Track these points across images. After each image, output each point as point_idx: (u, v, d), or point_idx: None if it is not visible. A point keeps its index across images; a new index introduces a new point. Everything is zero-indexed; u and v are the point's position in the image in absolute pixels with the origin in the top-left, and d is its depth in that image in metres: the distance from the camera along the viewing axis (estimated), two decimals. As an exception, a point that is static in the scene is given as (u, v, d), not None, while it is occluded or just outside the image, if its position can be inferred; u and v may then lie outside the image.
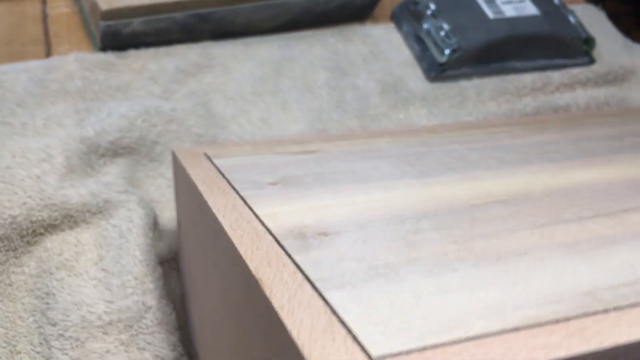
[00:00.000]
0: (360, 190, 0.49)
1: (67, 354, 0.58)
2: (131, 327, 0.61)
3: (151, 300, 0.62)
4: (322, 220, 0.44)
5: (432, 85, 0.92)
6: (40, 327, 0.62)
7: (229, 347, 0.48)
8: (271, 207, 0.46)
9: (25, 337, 0.61)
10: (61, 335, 0.59)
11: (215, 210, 0.46)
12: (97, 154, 0.74)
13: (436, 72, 0.92)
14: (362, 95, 0.90)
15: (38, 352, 0.60)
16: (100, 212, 0.68)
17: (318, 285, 0.36)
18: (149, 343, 0.60)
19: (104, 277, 0.64)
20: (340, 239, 0.41)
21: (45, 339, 0.60)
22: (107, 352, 0.60)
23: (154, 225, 0.70)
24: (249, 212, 0.45)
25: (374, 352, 0.30)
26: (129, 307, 0.61)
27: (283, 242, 0.41)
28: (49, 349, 0.59)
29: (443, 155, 0.57)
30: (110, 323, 0.60)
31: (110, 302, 0.62)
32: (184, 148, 0.62)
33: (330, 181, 0.50)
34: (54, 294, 0.63)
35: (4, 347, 0.60)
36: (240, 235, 0.42)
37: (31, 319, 0.63)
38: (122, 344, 0.60)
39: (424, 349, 0.30)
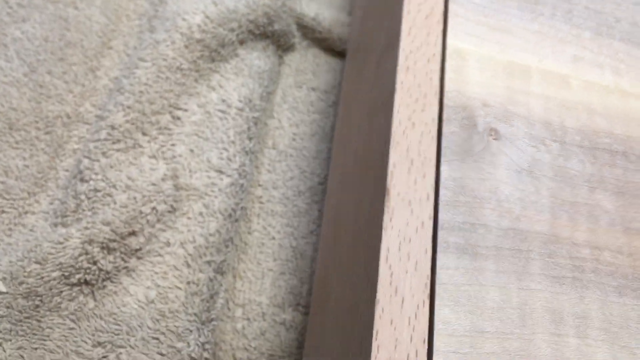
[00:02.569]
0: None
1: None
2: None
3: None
4: (509, 101, 0.32)
5: None
6: (141, 31, 0.55)
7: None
8: (468, 37, 0.34)
9: (123, 37, 0.55)
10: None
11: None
12: None
13: None
14: None
15: (128, 55, 0.54)
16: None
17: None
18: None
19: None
20: (507, 154, 0.31)
21: (140, 44, 0.53)
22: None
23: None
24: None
25: None
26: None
27: (444, 129, 0.31)
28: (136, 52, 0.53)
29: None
30: (198, 41, 0.52)
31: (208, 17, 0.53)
32: None
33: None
34: (165, 2, 0.55)
35: (99, 37, 0.54)
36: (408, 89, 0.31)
37: (136, 22, 0.56)
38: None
39: None
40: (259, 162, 0.49)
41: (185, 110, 0.49)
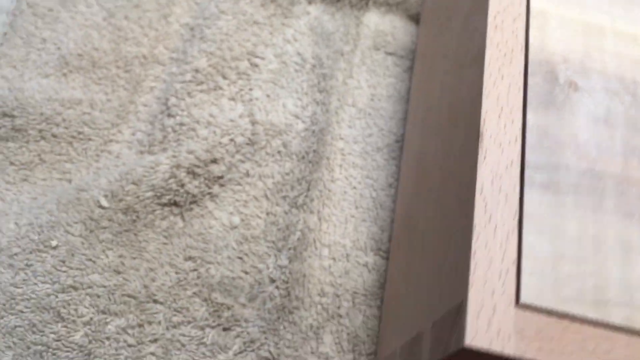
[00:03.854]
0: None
1: (218, 6, 0.56)
2: None
3: None
4: (586, 57, 0.35)
5: None
6: None
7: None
8: None
9: None
10: None
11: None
12: None
13: None
14: None
15: (197, 3, 0.59)
16: None
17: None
18: None
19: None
20: (585, 104, 0.34)
21: None
22: None
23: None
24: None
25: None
26: None
27: (529, 80, 0.34)
28: (209, 1, 0.58)
29: None
30: (272, 1, 0.57)
31: None
32: None
33: None
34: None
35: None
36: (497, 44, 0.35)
37: None
38: None
39: None
40: (340, 118, 0.53)
41: (263, 58, 0.54)
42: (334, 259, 0.46)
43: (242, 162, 0.49)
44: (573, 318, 0.29)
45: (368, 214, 0.49)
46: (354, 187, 0.50)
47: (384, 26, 0.58)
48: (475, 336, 0.28)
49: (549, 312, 0.29)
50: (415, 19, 0.59)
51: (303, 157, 0.50)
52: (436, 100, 0.44)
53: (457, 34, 0.43)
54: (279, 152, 0.49)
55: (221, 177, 0.48)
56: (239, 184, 0.48)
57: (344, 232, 0.48)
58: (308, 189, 0.49)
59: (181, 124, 0.50)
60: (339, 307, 0.44)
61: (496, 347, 0.27)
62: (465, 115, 0.36)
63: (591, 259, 0.30)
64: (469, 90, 0.36)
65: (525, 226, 0.31)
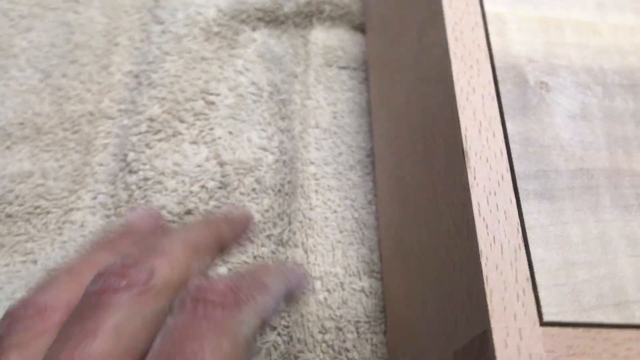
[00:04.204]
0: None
1: (161, 47, 0.54)
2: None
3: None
4: (551, 54, 0.35)
5: None
6: (143, 24, 0.58)
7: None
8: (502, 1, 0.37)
9: (127, 32, 0.57)
10: (163, 32, 0.55)
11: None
12: None
13: None
14: None
15: (136, 48, 0.56)
16: None
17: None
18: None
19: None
20: (559, 103, 0.34)
21: (148, 37, 0.56)
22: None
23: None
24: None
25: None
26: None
27: (500, 88, 0.34)
28: (149, 45, 0.55)
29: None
30: (216, 34, 0.55)
31: (221, 11, 0.56)
32: None
33: None
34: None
35: (104, 37, 0.56)
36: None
37: (136, 16, 0.58)
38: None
39: None
40: (306, 142, 0.52)
41: (218, 94, 0.52)
42: (328, 290, 0.45)
43: (218, 207, 0.47)
44: (599, 326, 0.28)
45: (354, 236, 0.48)
46: (334, 211, 0.49)
47: (331, 41, 0.57)
48: (507, 367, 0.27)
49: (575, 325, 0.28)
50: (360, 28, 0.58)
51: (279, 190, 0.48)
52: (404, 116, 0.43)
53: (413, 47, 0.42)
54: (253, 189, 0.47)
55: None
56: (219, 230, 0.47)
57: (333, 261, 0.47)
58: (289, 223, 0.48)
59: (145, 179, 0.48)
60: (344, 341, 0.43)
61: (530, 375, 0.27)
62: (442, 134, 0.35)
63: (602, 261, 0.30)
64: (441, 108, 0.35)
65: (530, 240, 0.30)
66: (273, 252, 0.46)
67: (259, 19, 0.57)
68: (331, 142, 0.52)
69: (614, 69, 0.37)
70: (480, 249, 0.30)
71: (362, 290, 0.46)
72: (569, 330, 0.28)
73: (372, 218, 0.49)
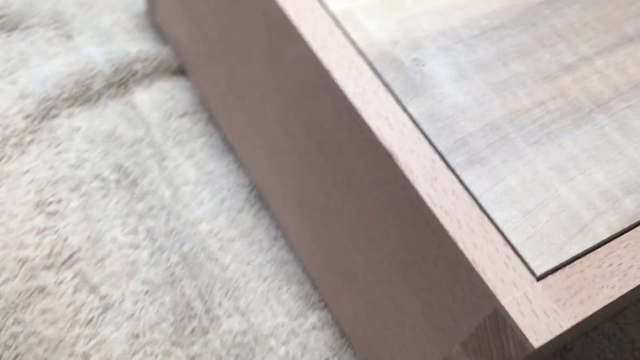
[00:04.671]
0: None
1: None
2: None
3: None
4: (406, 30, 0.36)
5: None
6: None
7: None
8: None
9: None
10: None
11: None
12: None
13: None
14: None
15: None
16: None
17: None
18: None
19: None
20: (437, 71, 0.35)
21: None
22: None
23: None
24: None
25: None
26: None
27: (385, 78, 0.34)
28: None
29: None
30: (30, 142, 0.49)
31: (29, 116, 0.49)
32: None
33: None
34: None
35: None
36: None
37: None
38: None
39: None
40: (184, 203, 0.48)
41: (59, 201, 0.46)
42: (284, 343, 0.42)
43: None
44: (577, 258, 0.30)
45: (279, 279, 0.45)
46: (248, 262, 0.46)
47: (158, 95, 0.53)
48: (535, 335, 0.27)
49: (561, 267, 0.29)
50: (180, 71, 0.55)
51: (173, 273, 0.43)
52: (287, 141, 0.41)
53: (265, 69, 0.40)
54: (146, 292, 0.42)
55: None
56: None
57: (272, 312, 0.44)
58: (210, 296, 0.43)
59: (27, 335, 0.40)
60: (324, 382, 0.41)
61: (556, 330, 0.27)
62: (352, 140, 0.34)
63: (549, 198, 0.31)
64: (337, 116, 0.34)
65: (486, 206, 0.30)
66: (206, 343, 0.41)
67: (70, 106, 0.50)
68: (208, 193, 0.49)
69: (461, 25, 0.38)
70: (452, 236, 0.29)
71: (314, 327, 0.43)
72: (559, 273, 0.29)
73: (285, 251, 0.47)
